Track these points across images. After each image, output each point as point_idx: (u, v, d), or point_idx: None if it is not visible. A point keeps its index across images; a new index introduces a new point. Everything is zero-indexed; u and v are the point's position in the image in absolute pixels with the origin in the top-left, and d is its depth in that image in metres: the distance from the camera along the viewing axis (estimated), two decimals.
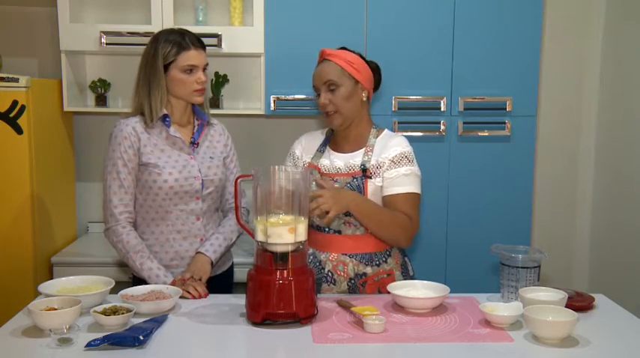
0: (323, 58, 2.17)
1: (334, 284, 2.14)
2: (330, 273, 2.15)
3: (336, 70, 2.12)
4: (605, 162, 3.47)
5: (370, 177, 2.13)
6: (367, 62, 2.19)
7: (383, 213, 2.09)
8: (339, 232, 2.16)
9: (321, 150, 2.25)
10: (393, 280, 2.14)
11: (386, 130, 2.24)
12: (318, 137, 2.31)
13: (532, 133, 3.20)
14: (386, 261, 2.16)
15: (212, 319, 1.87)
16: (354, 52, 2.19)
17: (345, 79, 2.12)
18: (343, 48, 2.20)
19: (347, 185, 2.13)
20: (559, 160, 3.59)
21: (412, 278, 2.23)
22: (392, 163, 2.12)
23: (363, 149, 2.18)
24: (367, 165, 2.14)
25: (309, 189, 1.94)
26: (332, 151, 2.23)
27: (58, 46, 3.08)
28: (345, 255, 2.14)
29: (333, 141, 2.26)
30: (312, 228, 2.18)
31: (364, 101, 2.18)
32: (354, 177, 2.14)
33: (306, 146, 2.29)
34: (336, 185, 2.13)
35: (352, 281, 2.13)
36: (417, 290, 1.99)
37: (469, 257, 3.17)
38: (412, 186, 2.12)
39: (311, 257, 2.20)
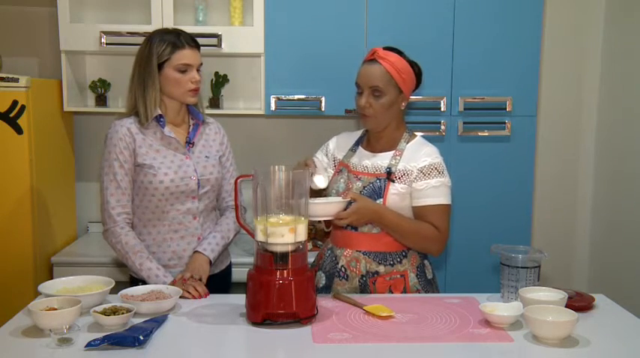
0: (373, 58, 2.09)
1: (347, 280, 2.14)
2: (343, 268, 2.15)
3: (384, 77, 2.07)
4: (605, 162, 3.47)
5: (393, 181, 2.11)
6: (411, 64, 2.13)
7: (406, 225, 2.10)
8: (356, 229, 2.15)
9: (353, 149, 2.25)
10: (406, 282, 2.13)
11: (418, 137, 2.21)
12: (353, 136, 2.31)
13: (532, 133, 3.20)
14: (400, 262, 2.14)
15: (212, 319, 1.87)
16: (401, 54, 2.12)
17: (390, 87, 2.08)
18: (389, 48, 2.12)
19: (369, 184, 2.12)
20: (559, 160, 3.59)
21: (431, 281, 2.20)
22: (421, 174, 2.11)
23: (393, 152, 2.17)
24: (393, 169, 2.13)
25: (310, 188, 1.94)
26: (363, 150, 2.23)
27: (58, 46, 3.08)
28: (360, 251, 2.14)
29: (367, 140, 2.25)
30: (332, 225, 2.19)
31: (402, 109, 2.16)
32: (377, 178, 2.12)
33: (340, 143, 2.30)
34: (359, 183, 2.14)
35: (363, 279, 2.13)
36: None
37: (469, 257, 3.17)
38: (442, 198, 2.11)
39: (329, 251, 2.22)
